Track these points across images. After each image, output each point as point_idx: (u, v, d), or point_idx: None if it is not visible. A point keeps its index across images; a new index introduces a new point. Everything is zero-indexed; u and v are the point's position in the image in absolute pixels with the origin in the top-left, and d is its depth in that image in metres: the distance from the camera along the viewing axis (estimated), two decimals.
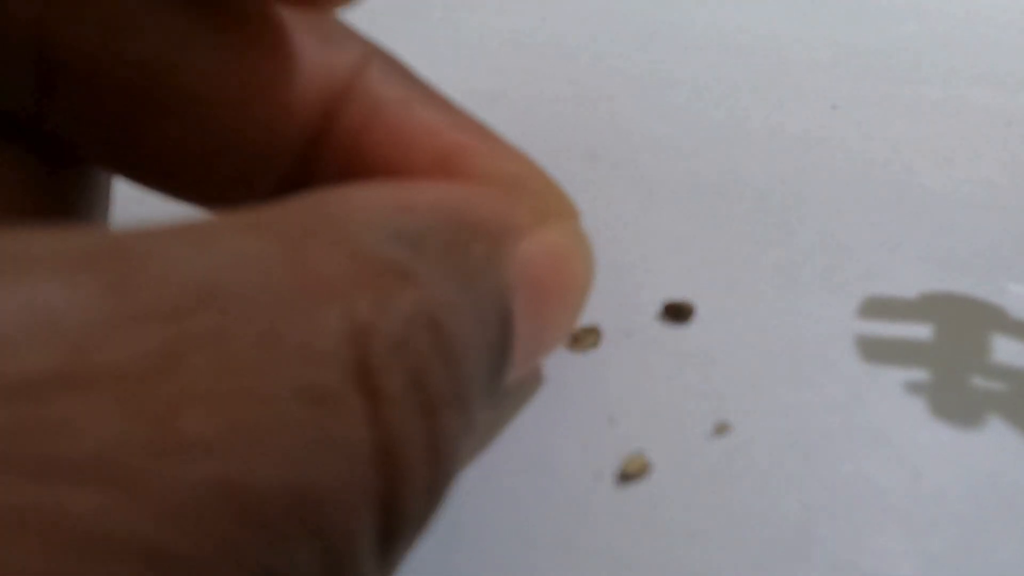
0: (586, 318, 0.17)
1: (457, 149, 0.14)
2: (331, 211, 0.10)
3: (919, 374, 0.16)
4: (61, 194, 0.13)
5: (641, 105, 0.24)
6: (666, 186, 0.21)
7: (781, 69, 0.27)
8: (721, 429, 0.15)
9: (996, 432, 0.15)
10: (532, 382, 0.16)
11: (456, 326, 0.10)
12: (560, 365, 0.16)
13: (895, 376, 0.16)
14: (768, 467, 0.14)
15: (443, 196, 0.12)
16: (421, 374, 0.10)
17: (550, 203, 0.14)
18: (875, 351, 0.16)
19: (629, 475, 0.14)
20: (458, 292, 0.11)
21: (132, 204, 0.16)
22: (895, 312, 0.17)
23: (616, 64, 0.27)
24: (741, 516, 0.14)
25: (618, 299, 0.17)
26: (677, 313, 0.17)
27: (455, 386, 0.10)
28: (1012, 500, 0.14)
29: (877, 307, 0.17)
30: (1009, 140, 0.23)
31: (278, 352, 0.09)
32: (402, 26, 0.29)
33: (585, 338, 0.17)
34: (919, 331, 0.17)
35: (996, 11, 0.30)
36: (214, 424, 0.08)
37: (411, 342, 0.10)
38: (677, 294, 0.18)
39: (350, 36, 0.14)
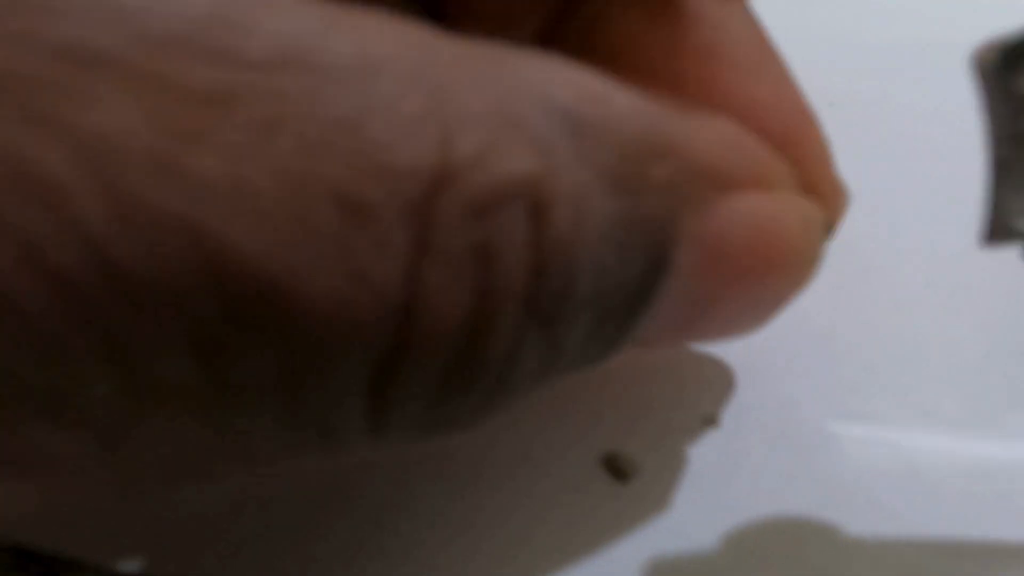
0: None
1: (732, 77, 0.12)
2: (514, 64, 0.09)
3: (916, 369, 0.16)
4: None
5: None
6: None
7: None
8: (710, 422, 0.15)
9: (995, 430, 0.15)
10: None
11: (573, 230, 0.09)
12: None
13: (893, 371, 0.16)
14: (757, 462, 0.15)
15: (654, 110, 0.10)
16: (495, 254, 0.08)
17: (811, 173, 0.12)
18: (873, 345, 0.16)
19: (617, 472, 0.14)
20: (601, 200, 0.09)
21: None
22: (893, 307, 0.17)
23: None
24: (730, 512, 0.14)
25: None
26: None
27: (537, 293, 0.09)
28: (1012, 499, 0.14)
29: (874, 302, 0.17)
30: None
31: (342, 142, 0.08)
32: None
33: None
34: (919, 329, 0.17)
35: (996, 11, 0.30)
36: (221, 169, 0.07)
37: (500, 216, 0.08)
38: None
39: None
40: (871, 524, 0.14)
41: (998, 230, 0.12)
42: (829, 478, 0.14)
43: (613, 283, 0.10)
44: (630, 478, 0.14)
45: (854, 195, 0.22)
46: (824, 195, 0.13)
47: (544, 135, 0.09)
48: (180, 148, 0.07)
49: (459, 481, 0.14)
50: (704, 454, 0.15)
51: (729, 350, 0.16)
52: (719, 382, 0.16)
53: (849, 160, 0.23)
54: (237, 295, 0.07)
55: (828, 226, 0.13)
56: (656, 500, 0.14)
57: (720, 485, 0.14)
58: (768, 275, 0.11)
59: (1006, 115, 0.11)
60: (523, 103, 0.09)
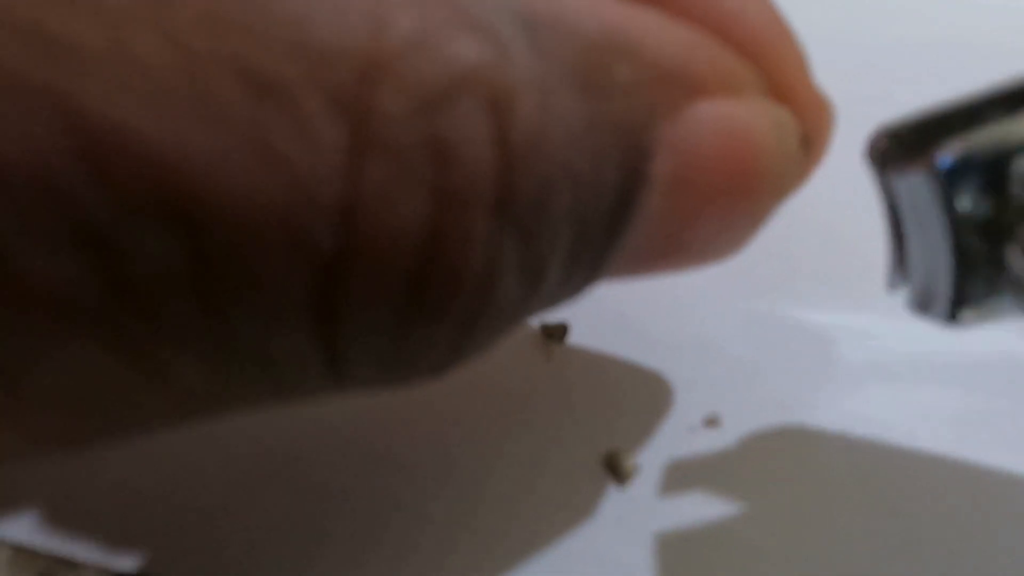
0: (555, 312, 0.17)
1: None
2: None
3: (917, 367, 0.16)
4: None
5: None
6: None
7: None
8: (711, 422, 0.15)
9: (995, 428, 0.15)
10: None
11: (540, 127, 0.08)
12: (539, 361, 0.16)
13: (893, 368, 0.16)
14: (757, 462, 0.15)
15: (610, 11, 0.09)
16: (453, 151, 0.08)
17: (784, 83, 0.11)
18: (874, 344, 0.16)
19: (618, 472, 0.14)
20: (566, 97, 0.08)
21: None
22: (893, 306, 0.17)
23: None
24: (731, 511, 0.14)
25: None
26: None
27: (510, 196, 0.08)
28: (1011, 498, 0.14)
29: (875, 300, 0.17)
30: None
31: (249, 18, 0.07)
32: None
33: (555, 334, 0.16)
34: (919, 328, 0.17)
35: (997, 10, 0.30)
36: (100, 36, 0.06)
37: (454, 110, 0.08)
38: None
39: None
40: (874, 523, 0.14)
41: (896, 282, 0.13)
42: (830, 478, 0.14)
43: (590, 194, 0.09)
44: (630, 478, 0.14)
45: (855, 195, 0.22)
46: (801, 106, 0.12)
47: (494, 26, 0.08)
48: (50, 11, 0.06)
49: (459, 481, 0.14)
50: (704, 454, 0.15)
51: (729, 350, 0.16)
52: (719, 382, 0.16)
53: (849, 160, 0.23)
54: (124, 181, 0.07)
55: (806, 139, 0.13)
56: (656, 500, 0.14)
57: (720, 485, 0.14)
58: (744, 185, 0.11)
59: (901, 198, 0.12)
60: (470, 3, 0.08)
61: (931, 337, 0.17)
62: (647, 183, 0.10)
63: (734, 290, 0.17)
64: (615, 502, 0.14)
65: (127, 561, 0.14)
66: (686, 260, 0.12)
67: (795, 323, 0.17)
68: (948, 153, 0.11)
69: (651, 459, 0.15)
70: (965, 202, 0.11)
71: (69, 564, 0.14)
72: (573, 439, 0.15)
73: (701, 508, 0.14)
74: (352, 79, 0.07)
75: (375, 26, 0.07)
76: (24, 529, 0.14)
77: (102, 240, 0.07)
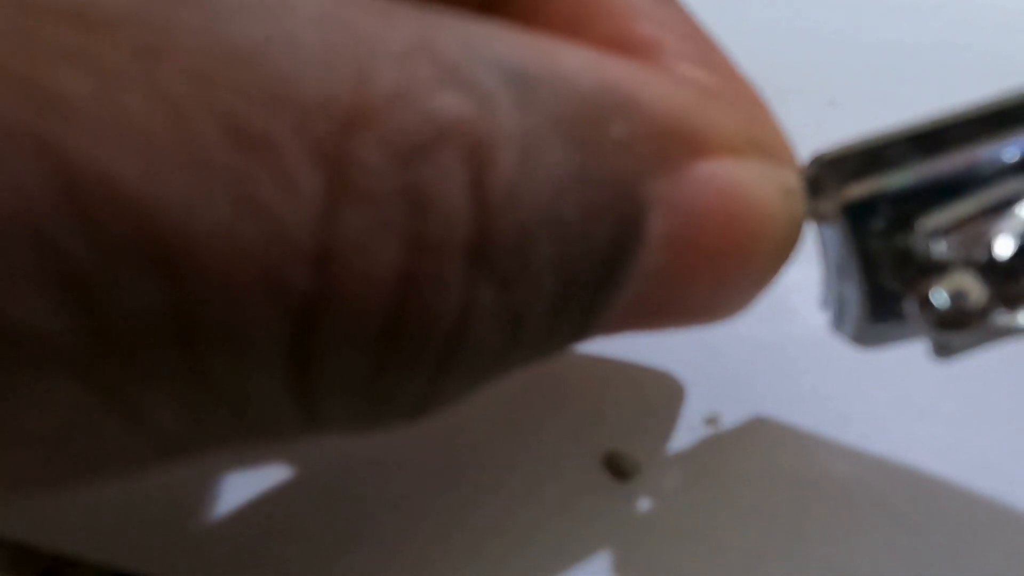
0: None
1: (648, 43, 0.11)
2: (446, 19, 0.08)
3: (916, 369, 0.16)
4: None
5: None
6: None
7: (778, 64, 0.26)
8: (711, 422, 0.15)
9: (994, 427, 0.15)
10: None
11: (520, 177, 0.08)
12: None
13: (891, 368, 0.16)
14: (757, 461, 0.15)
15: (608, 67, 0.09)
16: (429, 200, 0.08)
17: (763, 139, 0.11)
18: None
19: (618, 471, 0.14)
20: (553, 150, 0.08)
21: None
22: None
23: None
24: (731, 511, 0.14)
25: None
26: None
27: (485, 244, 0.08)
28: (1011, 496, 0.14)
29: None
30: None
31: (235, 73, 0.07)
32: None
33: None
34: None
35: (997, 10, 0.30)
36: (90, 89, 0.07)
37: (431, 160, 0.08)
38: None
39: None
40: (873, 522, 0.14)
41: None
42: (830, 478, 0.14)
43: (578, 247, 0.09)
44: (630, 478, 0.14)
45: None
46: (780, 151, 0.12)
47: (478, 80, 0.08)
48: (43, 65, 0.07)
49: (459, 481, 0.14)
50: (704, 454, 0.15)
51: (729, 350, 0.16)
52: (719, 382, 0.16)
53: None
54: (107, 227, 0.07)
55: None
56: (656, 500, 0.14)
57: (720, 484, 0.14)
58: (745, 249, 0.10)
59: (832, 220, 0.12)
60: (453, 49, 0.08)
61: None
62: (642, 240, 0.09)
63: None
64: (615, 502, 0.14)
65: (127, 561, 0.14)
66: (686, 319, 0.12)
67: (795, 322, 0.17)
68: (856, 194, 0.12)
69: (651, 459, 0.15)
70: (875, 242, 0.12)
71: (69, 564, 0.14)
72: (573, 439, 0.15)
73: (701, 508, 0.14)
74: (333, 130, 0.07)
75: (359, 80, 0.08)
76: (24, 529, 0.14)
77: (84, 284, 0.07)
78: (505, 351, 0.09)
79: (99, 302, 0.07)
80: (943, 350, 0.12)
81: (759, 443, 0.15)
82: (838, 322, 0.13)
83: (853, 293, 0.12)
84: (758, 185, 0.10)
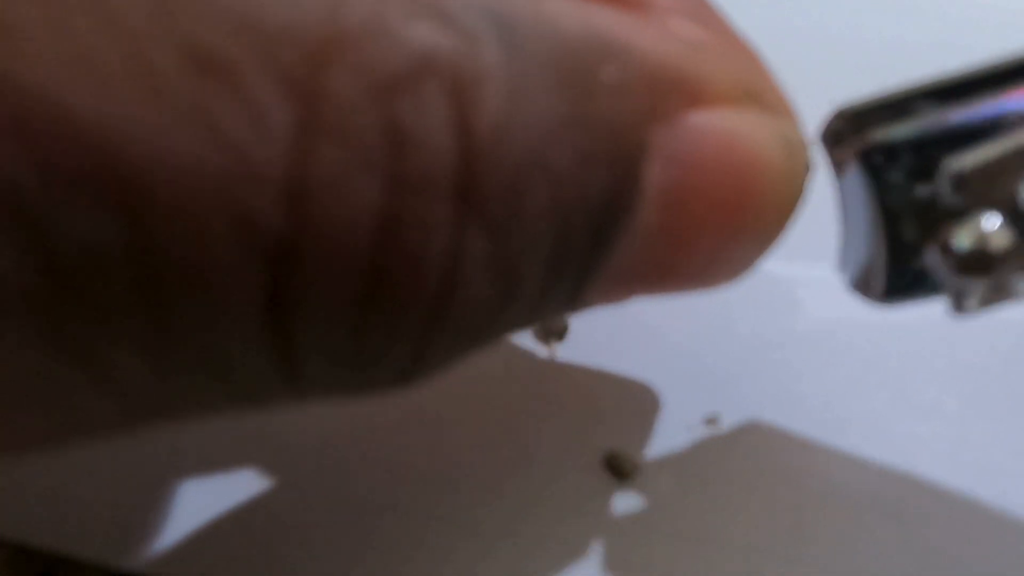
0: None
1: None
2: None
3: (916, 368, 0.16)
4: None
5: None
6: None
7: (779, 64, 0.26)
8: (711, 422, 0.15)
9: (993, 425, 0.15)
10: None
11: (508, 117, 0.08)
12: (539, 361, 0.16)
13: (892, 368, 0.16)
14: (757, 462, 0.15)
15: (596, 12, 0.09)
16: (410, 137, 0.07)
17: (761, 91, 0.11)
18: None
19: (618, 471, 0.14)
20: (542, 92, 0.08)
21: None
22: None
23: None
24: (730, 511, 0.14)
25: None
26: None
27: (472, 185, 0.08)
28: (1010, 495, 0.14)
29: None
30: None
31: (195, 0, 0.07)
32: None
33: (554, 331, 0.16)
34: (919, 329, 0.17)
35: (997, 10, 0.30)
36: (36, 12, 0.06)
37: (412, 95, 0.07)
38: None
39: None
40: (872, 522, 0.14)
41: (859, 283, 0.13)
42: (829, 478, 0.14)
43: (573, 195, 0.09)
44: (630, 478, 0.14)
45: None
46: (779, 104, 0.11)
47: (460, 16, 0.08)
48: None
49: (459, 481, 0.14)
50: (704, 454, 0.15)
51: (729, 350, 0.16)
52: (719, 382, 0.16)
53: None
54: (58, 156, 0.06)
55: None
56: (656, 500, 0.14)
57: (719, 484, 0.14)
58: (746, 204, 0.10)
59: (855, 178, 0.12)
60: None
61: (932, 337, 0.17)
62: (639, 190, 0.09)
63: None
64: (615, 502, 0.14)
65: (127, 561, 0.14)
66: (686, 282, 0.11)
67: (795, 322, 0.17)
68: (877, 140, 0.11)
69: (651, 459, 0.15)
70: (897, 192, 0.11)
71: (69, 564, 0.14)
72: (573, 439, 0.15)
73: (701, 508, 0.14)
74: (303, 60, 0.07)
75: (331, 7, 0.07)
76: (24, 529, 0.14)
77: (34, 218, 0.07)
78: (499, 309, 0.09)
79: (50, 237, 0.07)
80: (962, 304, 0.11)
81: (758, 444, 0.15)
82: (857, 281, 0.13)
83: (873, 248, 0.12)
84: (758, 136, 0.10)
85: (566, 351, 0.16)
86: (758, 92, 0.10)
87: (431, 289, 0.08)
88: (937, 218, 0.11)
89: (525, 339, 0.16)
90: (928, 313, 0.17)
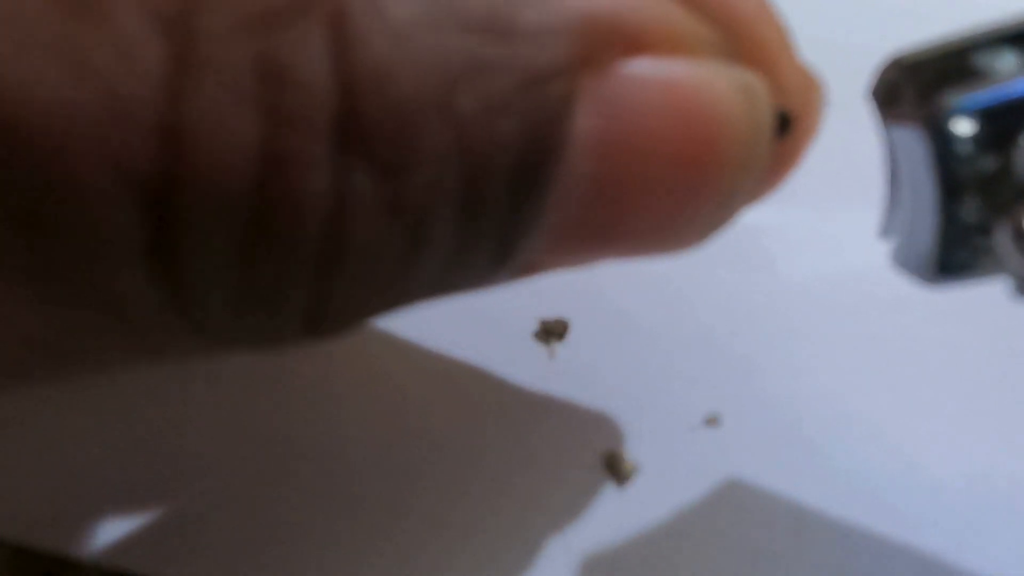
0: (555, 309, 0.17)
1: None
2: None
3: (914, 363, 0.16)
4: None
5: None
6: None
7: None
8: (711, 422, 0.15)
9: (993, 425, 0.15)
10: None
11: (392, 54, 0.08)
12: (539, 361, 0.16)
13: (890, 366, 0.16)
14: (759, 460, 0.15)
15: None
16: (287, 72, 0.07)
17: (760, 47, 0.10)
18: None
19: (618, 472, 0.14)
20: (438, 31, 0.08)
21: None
22: (894, 305, 0.17)
23: None
24: (731, 511, 0.14)
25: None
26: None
27: (354, 123, 0.08)
28: (1009, 494, 0.14)
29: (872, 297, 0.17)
30: None
31: None
32: None
33: (554, 330, 0.16)
34: (919, 329, 0.17)
35: (996, 10, 0.30)
36: None
37: (287, 30, 0.07)
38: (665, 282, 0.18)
39: None
40: (872, 523, 0.14)
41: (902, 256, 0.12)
42: (829, 478, 0.14)
43: (484, 142, 0.08)
44: (630, 478, 0.14)
45: (851, 190, 0.22)
46: (783, 81, 0.11)
47: None
48: None
49: (459, 481, 0.14)
50: (704, 454, 0.15)
51: (729, 350, 0.16)
52: (720, 382, 0.16)
53: (849, 160, 0.23)
54: None
55: (785, 116, 0.11)
56: (656, 500, 0.14)
57: (720, 485, 0.14)
58: (697, 156, 0.09)
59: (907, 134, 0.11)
60: None
61: (932, 337, 0.17)
62: (565, 140, 0.09)
63: (736, 289, 0.17)
64: (615, 502, 0.14)
65: (127, 561, 0.14)
66: (642, 243, 0.10)
67: (795, 323, 0.17)
68: (947, 105, 0.10)
69: (651, 459, 0.15)
70: (964, 162, 0.10)
71: (69, 564, 0.14)
72: (573, 439, 0.15)
73: (701, 508, 0.14)
74: (171, 3, 0.07)
75: None
76: (24, 529, 0.14)
77: None
78: (406, 259, 0.09)
79: None
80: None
81: (758, 443, 0.15)
82: (902, 254, 0.12)
83: (927, 220, 0.11)
84: (712, 84, 0.09)
85: (566, 351, 0.16)
86: (725, 43, 0.10)
87: (316, 230, 0.08)
88: (1007, 194, 0.10)
89: (525, 339, 0.16)
90: (929, 319, 0.17)
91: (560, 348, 0.16)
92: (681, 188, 0.09)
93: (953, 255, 0.11)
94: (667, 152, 0.09)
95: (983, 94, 0.10)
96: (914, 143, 0.10)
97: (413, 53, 0.08)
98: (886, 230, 0.12)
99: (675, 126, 0.09)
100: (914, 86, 0.10)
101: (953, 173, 0.10)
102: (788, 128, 0.11)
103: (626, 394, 0.15)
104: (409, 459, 0.15)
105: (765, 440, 0.15)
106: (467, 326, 0.16)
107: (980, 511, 0.14)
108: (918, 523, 0.14)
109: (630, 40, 0.09)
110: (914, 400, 0.15)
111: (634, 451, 0.15)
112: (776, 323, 0.17)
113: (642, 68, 0.09)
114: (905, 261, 0.12)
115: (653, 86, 0.09)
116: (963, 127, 0.10)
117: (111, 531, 0.14)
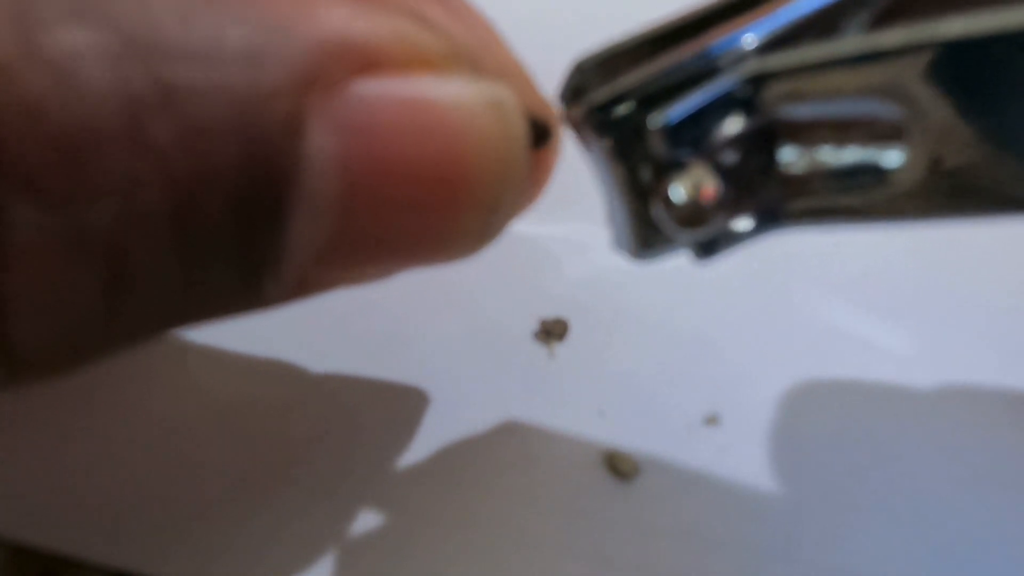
0: (555, 309, 0.17)
1: None
2: None
3: (911, 365, 0.16)
4: None
5: None
6: None
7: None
8: (711, 422, 0.15)
9: (992, 424, 0.15)
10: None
11: (53, 96, 0.08)
12: (539, 360, 0.16)
13: (892, 368, 0.16)
14: (757, 460, 0.15)
15: None
16: None
17: (481, 60, 0.10)
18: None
19: (618, 471, 0.14)
20: (119, 69, 0.08)
21: None
22: (893, 305, 0.17)
23: None
24: (729, 511, 0.14)
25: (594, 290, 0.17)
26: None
27: (19, 148, 0.08)
28: (1007, 494, 0.14)
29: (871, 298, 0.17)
30: None
31: None
32: None
33: (554, 331, 0.16)
34: (919, 329, 0.17)
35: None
36: None
37: None
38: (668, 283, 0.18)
39: None
40: (873, 522, 0.14)
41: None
42: (828, 478, 0.14)
43: (197, 173, 0.08)
44: (630, 478, 0.14)
45: None
46: (529, 98, 0.11)
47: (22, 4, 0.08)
48: None
49: (460, 482, 0.14)
50: (704, 454, 0.15)
51: (729, 350, 0.16)
52: (720, 382, 0.16)
53: None
54: None
55: (540, 126, 0.12)
56: (656, 500, 0.14)
57: (720, 485, 0.14)
58: (453, 169, 0.09)
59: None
60: None
61: (932, 337, 0.17)
62: (298, 161, 0.09)
63: (733, 287, 0.18)
64: (615, 502, 0.14)
65: (127, 561, 0.14)
66: (406, 256, 0.10)
67: (795, 323, 0.17)
68: (598, 99, 0.11)
69: (651, 459, 0.15)
70: (627, 149, 0.11)
71: (69, 564, 0.14)
72: (573, 439, 0.15)
73: (701, 508, 0.14)
74: None
75: None
76: (24, 529, 0.14)
77: None
78: (113, 291, 0.08)
79: None
80: (702, 252, 0.11)
81: (757, 443, 0.15)
82: (615, 238, 0.13)
83: (618, 204, 0.12)
84: (458, 99, 0.09)
85: (566, 351, 0.16)
86: (472, 61, 0.10)
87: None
88: (658, 167, 0.11)
89: (525, 339, 0.16)
90: (928, 319, 0.17)
91: (560, 348, 0.16)
92: (437, 202, 0.10)
93: (647, 236, 0.12)
94: (415, 168, 0.09)
95: (625, 83, 0.11)
96: (590, 137, 0.11)
97: (76, 86, 0.08)
98: (608, 222, 0.13)
99: (419, 142, 0.09)
100: (586, 84, 0.11)
101: (619, 158, 0.11)
102: (547, 137, 0.12)
103: (626, 394, 0.15)
104: (409, 460, 0.15)
105: (765, 440, 0.15)
106: (467, 326, 0.16)
107: (980, 511, 0.14)
108: (917, 523, 0.14)
109: (366, 59, 0.09)
110: (913, 400, 0.15)
111: (634, 451, 0.15)
112: (776, 323, 0.17)
113: (377, 87, 0.09)
114: (617, 244, 0.13)
115: (390, 103, 0.09)
116: (617, 115, 0.11)
117: (111, 531, 0.14)
